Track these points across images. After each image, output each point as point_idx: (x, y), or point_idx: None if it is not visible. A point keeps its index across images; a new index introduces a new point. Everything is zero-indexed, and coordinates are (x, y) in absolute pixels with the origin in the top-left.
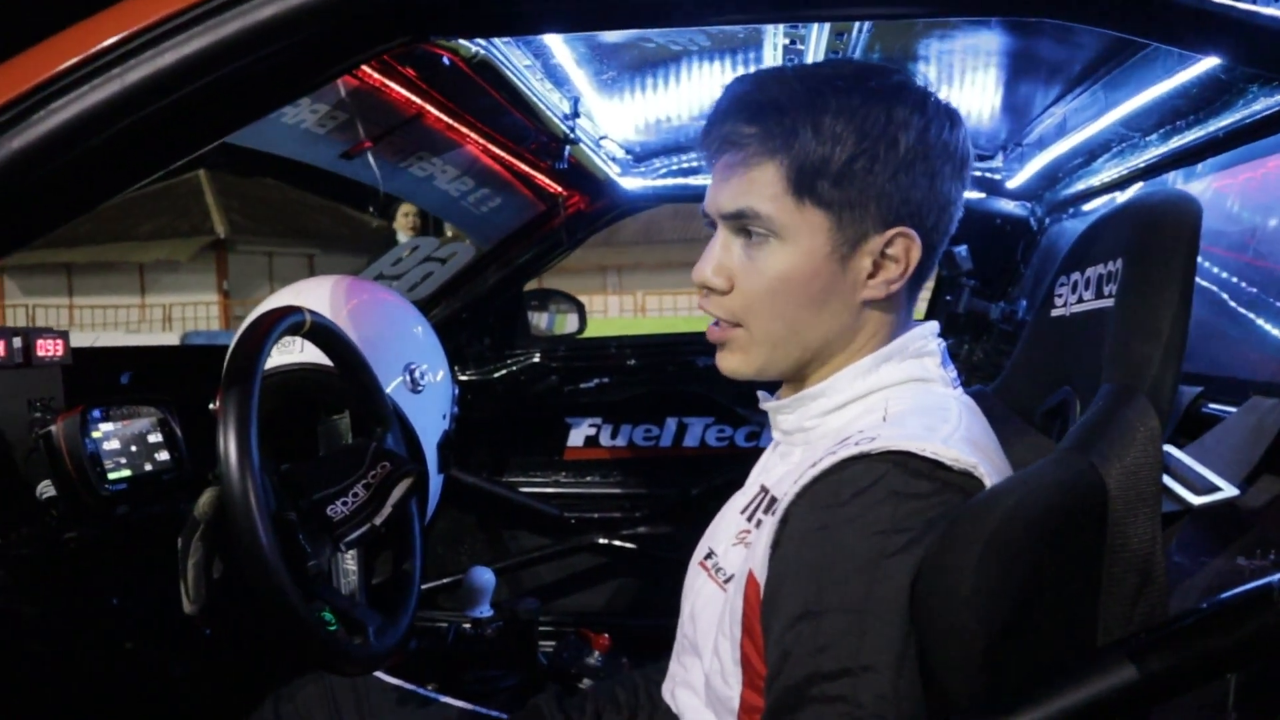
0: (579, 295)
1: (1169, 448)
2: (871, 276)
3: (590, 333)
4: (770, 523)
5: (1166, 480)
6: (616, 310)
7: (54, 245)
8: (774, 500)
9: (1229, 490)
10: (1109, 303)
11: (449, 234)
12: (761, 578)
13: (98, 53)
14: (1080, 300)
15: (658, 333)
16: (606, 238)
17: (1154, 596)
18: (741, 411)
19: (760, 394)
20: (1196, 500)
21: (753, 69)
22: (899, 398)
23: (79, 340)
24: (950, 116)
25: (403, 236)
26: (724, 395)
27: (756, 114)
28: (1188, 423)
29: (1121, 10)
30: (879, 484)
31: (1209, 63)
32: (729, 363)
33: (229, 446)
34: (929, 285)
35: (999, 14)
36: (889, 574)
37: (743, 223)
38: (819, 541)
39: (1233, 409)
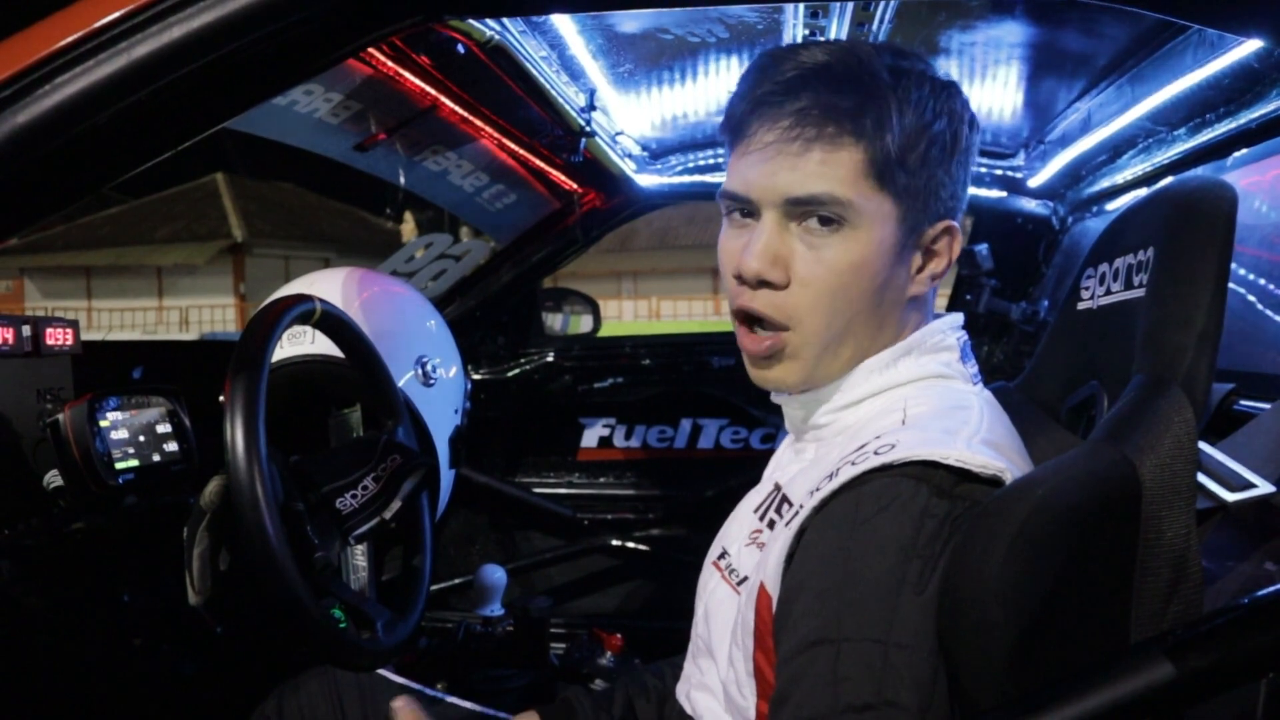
0: None
1: (1201, 444)
2: (919, 270)
3: (604, 336)
4: (784, 533)
5: (1200, 477)
6: (631, 315)
7: (73, 248)
8: (786, 500)
9: (1265, 487)
10: (1139, 293)
11: (463, 237)
12: (773, 591)
13: (104, 26)
14: (1109, 292)
15: (673, 333)
16: (621, 243)
17: (1188, 594)
18: (756, 413)
19: None
20: (1231, 497)
21: None
22: (918, 398)
23: (94, 339)
24: (975, 120)
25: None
26: (739, 397)
27: (844, 88)
28: (1219, 420)
29: None
30: (900, 504)
31: (1241, 52)
32: (776, 373)
33: (235, 434)
34: (948, 283)
35: None
36: (913, 602)
37: (811, 209)
38: (837, 563)
39: (1266, 405)
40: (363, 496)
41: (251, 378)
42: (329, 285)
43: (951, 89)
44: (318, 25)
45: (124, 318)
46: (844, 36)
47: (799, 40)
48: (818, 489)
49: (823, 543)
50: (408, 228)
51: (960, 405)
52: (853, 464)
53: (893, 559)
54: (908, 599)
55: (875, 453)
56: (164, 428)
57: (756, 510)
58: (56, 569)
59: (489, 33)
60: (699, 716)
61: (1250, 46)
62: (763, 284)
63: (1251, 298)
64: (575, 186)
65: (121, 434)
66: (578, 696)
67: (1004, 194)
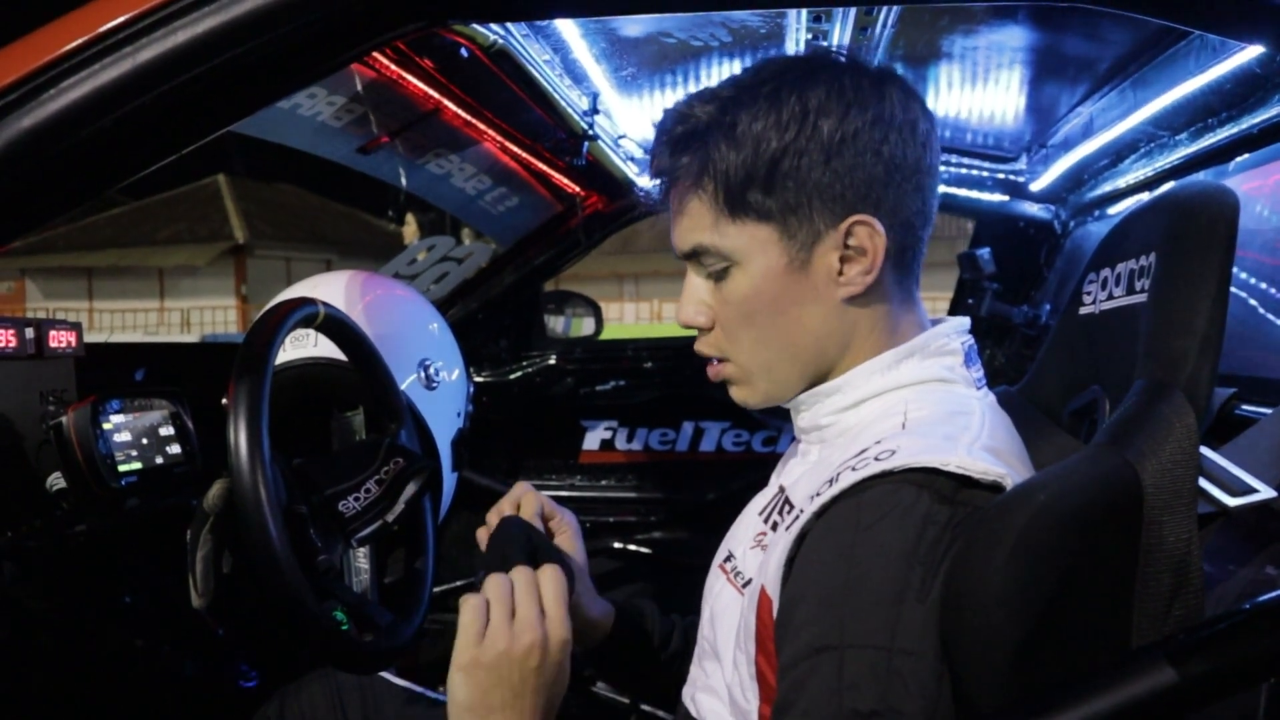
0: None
1: (1203, 448)
2: (842, 273)
3: (606, 338)
4: (785, 537)
5: (1201, 481)
6: (633, 317)
7: (74, 249)
8: (789, 503)
9: (1266, 492)
10: (1141, 298)
11: (465, 240)
12: (774, 594)
13: (109, 30)
14: (1110, 297)
15: (675, 335)
16: (623, 245)
17: (1190, 599)
18: (759, 416)
19: None
20: (1232, 502)
21: None
22: (919, 401)
23: (96, 341)
24: (879, 84)
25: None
26: None
27: (676, 145)
28: (1221, 424)
29: None
30: (902, 510)
31: (1243, 57)
32: (738, 395)
33: (239, 437)
34: (948, 286)
35: None
36: (916, 610)
37: (699, 258)
38: (840, 569)
39: (1267, 410)
40: (365, 499)
41: (255, 380)
42: (332, 288)
43: (808, 81)
44: (322, 30)
45: (125, 319)
46: (847, 41)
47: (801, 45)
48: (818, 494)
49: (824, 549)
50: (410, 230)
51: (961, 410)
52: (853, 469)
53: (896, 566)
54: (911, 606)
55: (876, 459)
56: (167, 430)
57: (761, 513)
58: (59, 571)
59: (492, 37)
60: (704, 718)
61: (1252, 52)
62: (696, 329)
63: (1253, 302)
64: (578, 189)
65: (124, 436)
66: (650, 608)
67: (1006, 198)
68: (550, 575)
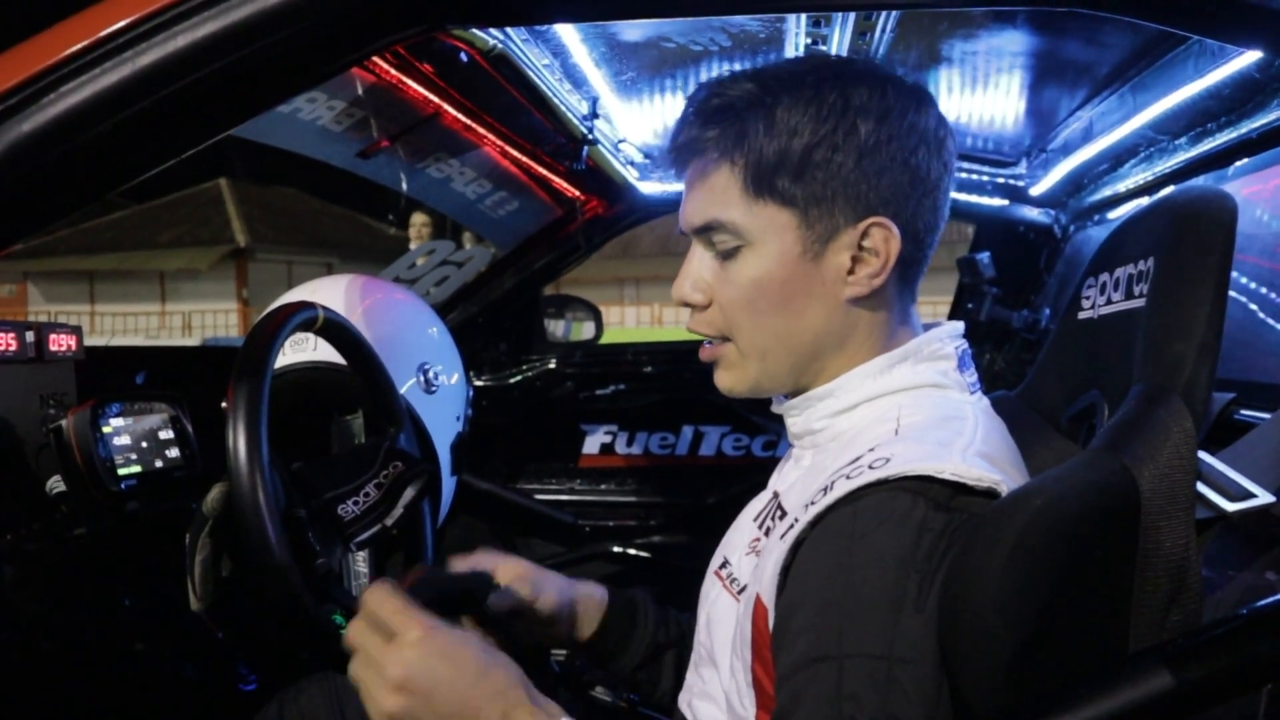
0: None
1: (1201, 453)
2: (851, 273)
3: (606, 342)
4: (779, 545)
5: (1200, 486)
6: (633, 321)
7: (76, 253)
8: (782, 509)
9: (1265, 497)
10: (1139, 303)
11: (466, 244)
12: (769, 603)
13: (109, 35)
14: (1109, 302)
15: (675, 340)
16: (623, 249)
17: (1188, 604)
18: (758, 420)
19: (775, 396)
20: (1231, 507)
21: None
22: (912, 406)
23: (97, 344)
24: (917, 97)
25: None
26: (741, 404)
27: (710, 118)
28: (1220, 429)
29: (1160, 1)
30: (898, 518)
31: (1242, 61)
32: (724, 381)
33: (238, 441)
34: (948, 290)
35: (1032, 3)
36: (914, 618)
37: (711, 234)
38: (836, 578)
39: (1266, 415)
40: (364, 503)
41: (254, 384)
42: (332, 292)
43: (853, 81)
44: (322, 34)
45: (126, 322)
46: (846, 45)
47: (801, 50)
48: (812, 502)
49: (820, 557)
50: (424, 230)
51: (955, 416)
52: (847, 478)
53: (893, 574)
54: (908, 614)
55: (870, 466)
56: (166, 434)
57: (756, 519)
58: (59, 574)
59: (492, 41)
60: None
61: (1251, 57)
62: (691, 306)
63: (1253, 306)
64: (577, 194)
65: (124, 440)
66: (645, 601)
67: (1006, 202)
68: (369, 596)
